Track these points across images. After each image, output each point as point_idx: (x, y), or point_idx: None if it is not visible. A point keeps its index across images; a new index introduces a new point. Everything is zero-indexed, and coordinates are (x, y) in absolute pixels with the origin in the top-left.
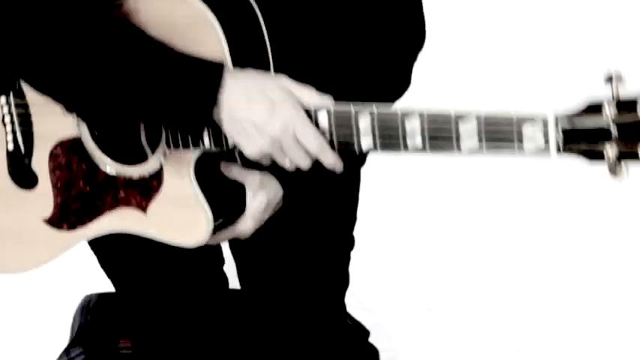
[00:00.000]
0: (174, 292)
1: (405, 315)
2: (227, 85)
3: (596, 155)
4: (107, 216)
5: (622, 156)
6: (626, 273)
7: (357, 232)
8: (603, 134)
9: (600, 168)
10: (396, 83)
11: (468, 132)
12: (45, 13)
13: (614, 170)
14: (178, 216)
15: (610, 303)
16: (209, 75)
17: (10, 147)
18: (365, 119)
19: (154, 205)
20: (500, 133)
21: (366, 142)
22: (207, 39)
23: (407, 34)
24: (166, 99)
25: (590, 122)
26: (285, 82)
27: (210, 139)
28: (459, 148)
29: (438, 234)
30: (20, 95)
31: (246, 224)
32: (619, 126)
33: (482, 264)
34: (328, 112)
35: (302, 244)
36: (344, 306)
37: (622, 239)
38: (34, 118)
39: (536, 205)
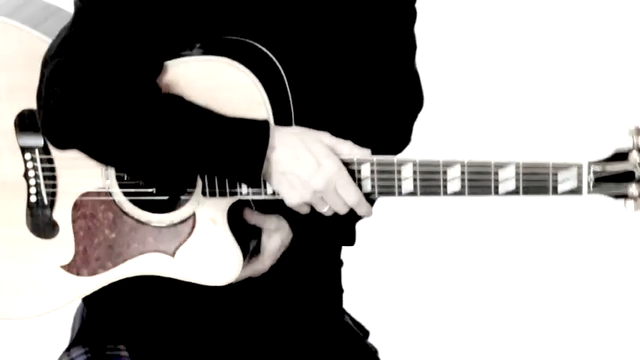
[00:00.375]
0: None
1: (405, 315)
2: (273, 141)
3: (621, 195)
4: (132, 260)
5: None
6: (625, 276)
7: (357, 233)
8: (628, 176)
9: None
10: (398, 140)
11: (507, 177)
12: (104, 102)
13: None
14: (208, 259)
15: (610, 304)
16: (257, 134)
17: (33, 199)
18: (407, 167)
19: (184, 249)
20: (536, 179)
21: (406, 186)
22: (251, 99)
23: (407, 99)
24: (220, 163)
25: (619, 167)
26: (326, 138)
27: (248, 187)
28: (496, 192)
29: (438, 235)
30: (46, 151)
31: (265, 264)
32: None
33: (482, 265)
34: (371, 163)
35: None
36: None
37: (622, 240)
38: (59, 172)
39: (535, 206)
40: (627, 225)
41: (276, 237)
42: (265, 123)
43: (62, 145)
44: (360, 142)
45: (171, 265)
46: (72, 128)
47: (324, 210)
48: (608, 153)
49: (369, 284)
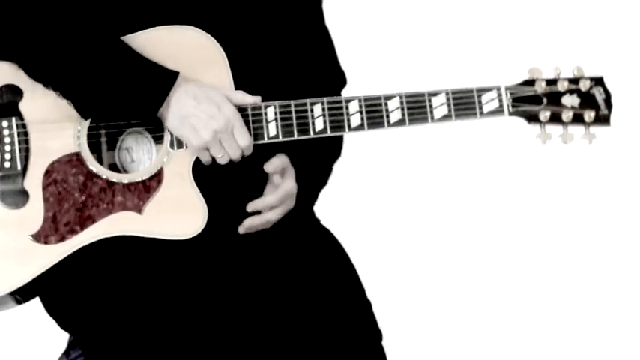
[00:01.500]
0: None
1: (404, 316)
2: (180, 86)
3: (534, 117)
4: (100, 222)
5: (552, 118)
6: (624, 276)
7: (357, 233)
8: (538, 100)
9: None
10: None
11: (440, 103)
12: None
13: (544, 135)
14: (175, 213)
15: (609, 305)
16: (166, 76)
17: (7, 165)
18: (317, 107)
19: (151, 205)
20: (464, 102)
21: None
22: (213, 61)
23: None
24: (127, 89)
25: (529, 90)
26: (223, 89)
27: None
28: (432, 117)
29: (438, 236)
30: (21, 118)
31: (277, 211)
32: (547, 96)
33: (481, 266)
34: (274, 106)
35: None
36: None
37: (621, 241)
38: (32, 136)
39: (535, 207)
40: (626, 226)
41: (289, 179)
42: (175, 73)
43: None
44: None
45: (138, 223)
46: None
47: (219, 155)
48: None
49: (370, 282)
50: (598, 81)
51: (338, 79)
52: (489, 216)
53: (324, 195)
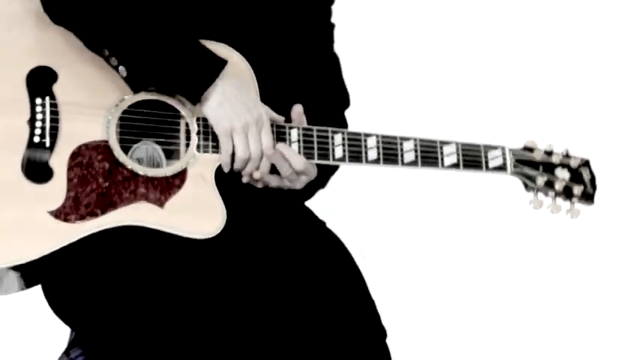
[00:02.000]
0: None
1: (404, 316)
2: (227, 75)
3: (531, 179)
4: (121, 209)
5: (547, 184)
6: (623, 278)
7: (357, 234)
8: (535, 167)
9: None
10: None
11: (450, 152)
12: None
13: (536, 202)
14: (194, 212)
15: (604, 304)
16: (216, 61)
17: (36, 139)
18: (338, 136)
19: (173, 201)
20: (472, 154)
21: (339, 152)
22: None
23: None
24: (184, 65)
25: (529, 155)
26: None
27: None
28: (442, 164)
29: (438, 237)
30: (53, 99)
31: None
32: (543, 164)
33: (481, 266)
34: (298, 129)
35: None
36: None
37: (620, 242)
38: (63, 116)
39: (529, 207)
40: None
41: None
42: (224, 61)
43: (57, 18)
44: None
45: (159, 216)
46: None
47: (240, 148)
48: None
49: (370, 282)
50: (585, 163)
51: (342, 100)
52: (490, 216)
53: (325, 196)
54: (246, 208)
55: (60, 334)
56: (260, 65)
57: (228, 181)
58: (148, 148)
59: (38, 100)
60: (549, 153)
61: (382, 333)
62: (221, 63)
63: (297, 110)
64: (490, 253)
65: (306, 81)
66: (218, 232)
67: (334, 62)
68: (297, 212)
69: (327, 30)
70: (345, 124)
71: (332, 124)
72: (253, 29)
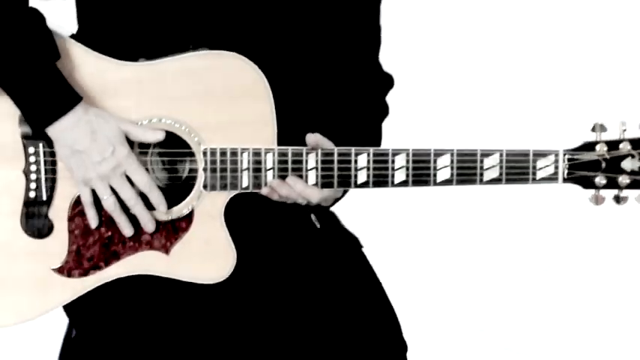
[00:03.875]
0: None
1: (404, 317)
2: (81, 115)
3: (590, 183)
4: (125, 260)
5: (608, 184)
6: (623, 277)
7: (358, 234)
8: (595, 166)
9: None
10: (376, 113)
11: (491, 165)
12: None
13: (597, 198)
14: (203, 256)
15: (603, 304)
16: (67, 98)
17: (32, 194)
18: (362, 157)
19: (179, 247)
20: (517, 166)
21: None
22: (255, 93)
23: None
24: (30, 95)
25: (588, 156)
26: (123, 125)
27: (249, 180)
28: (481, 179)
29: (436, 237)
30: (49, 145)
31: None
32: (607, 160)
33: (478, 266)
34: (317, 154)
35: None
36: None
37: (619, 242)
38: (60, 167)
39: (533, 208)
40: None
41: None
42: (78, 99)
43: None
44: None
45: (165, 263)
46: None
47: (106, 197)
48: (577, 144)
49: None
50: None
51: (384, 83)
52: (495, 219)
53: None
54: (255, 224)
55: (59, 334)
56: (286, 68)
57: (240, 212)
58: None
59: (31, 149)
60: (616, 144)
61: (403, 347)
62: (71, 100)
63: (312, 139)
64: (496, 258)
65: (340, 72)
66: (226, 277)
67: (375, 43)
68: (323, 236)
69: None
70: (385, 110)
71: (371, 110)
72: (281, 28)
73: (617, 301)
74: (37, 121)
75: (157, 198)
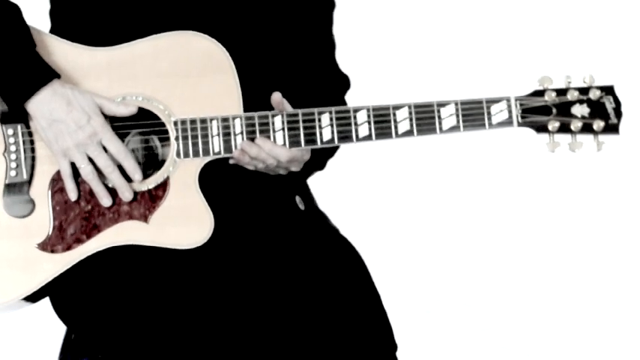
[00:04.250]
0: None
1: (403, 316)
2: (56, 88)
3: (543, 127)
4: (106, 231)
5: (561, 128)
6: (621, 277)
7: (356, 235)
8: (547, 111)
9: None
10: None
11: (448, 114)
12: None
13: (552, 144)
14: (181, 222)
15: (602, 304)
16: (43, 73)
17: (13, 174)
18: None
19: (157, 214)
20: (473, 113)
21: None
22: (220, 67)
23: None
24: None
25: (539, 101)
26: (97, 98)
27: (220, 145)
28: (440, 128)
29: (437, 237)
30: (27, 125)
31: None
32: (557, 106)
33: (479, 267)
34: (282, 115)
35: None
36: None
37: (617, 242)
38: (38, 145)
39: (531, 209)
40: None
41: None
42: (54, 74)
43: None
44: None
45: (145, 232)
46: None
47: (83, 165)
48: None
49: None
50: (608, 90)
51: (342, 83)
52: (494, 219)
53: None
54: (240, 205)
55: (59, 334)
56: (253, 50)
57: (217, 181)
58: (143, 137)
59: (9, 131)
60: (563, 91)
61: (392, 346)
62: (47, 75)
63: (276, 98)
64: (496, 259)
65: (302, 64)
66: (206, 239)
67: (330, 46)
68: (308, 218)
69: (324, 12)
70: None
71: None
72: (245, 11)
73: (611, 304)
74: (16, 96)
75: (132, 166)
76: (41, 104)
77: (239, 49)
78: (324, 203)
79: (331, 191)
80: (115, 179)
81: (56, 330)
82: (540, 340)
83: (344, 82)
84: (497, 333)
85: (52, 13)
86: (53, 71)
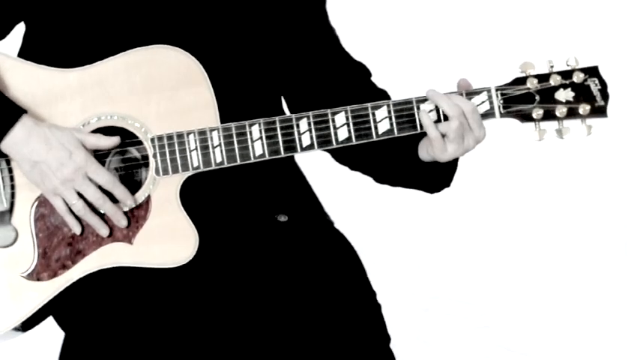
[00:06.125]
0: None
1: (402, 315)
2: (32, 128)
3: (528, 116)
4: (91, 256)
5: (546, 116)
6: (617, 274)
7: (354, 234)
8: (529, 99)
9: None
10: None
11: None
12: None
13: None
14: (165, 240)
15: (602, 303)
16: (10, 112)
17: None
18: (304, 121)
19: (141, 234)
20: None
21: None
22: (193, 80)
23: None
24: None
25: (521, 89)
26: (77, 133)
27: (199, 159)
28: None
29: (435, 236)
30: (3, 154)
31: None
32: (539, 92)
33: (477, 265)
34: (259, 124)
35: None
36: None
37: (615, 241)
38: (16, 172)
39: (529, 208)
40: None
41: (455, 120)
42: (21, 111)
43: None
44: None
45: (130, 254)
46: None
47: (73, 201)
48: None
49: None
50: (593, 72)
51: (359, 71)
52: (483, 218)
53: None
54: (222, 219)
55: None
56: (246, 60)
57: (198, 196)
58: (123, 156)
59: None
60: (545, 77)
61: (386, 338)
62: (14, 114)
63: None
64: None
65: (307, 67)
66: (191, 257)
67: (332, 39)
68: (299, 212)
69: (316, 7)
70: (379, 91)
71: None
72: (236, 23)
73: (607, 301)
74: None
75: (122, 193)
76: (17, 146)
77: (225, 57)
78: (324, 202)
79: (329, 189)
80: (108, 210)
81: (55, 332)
82: (537, 338)
83: (361, 70)
84: (495, 331)
85: (26, 35)
86: (18, 108)
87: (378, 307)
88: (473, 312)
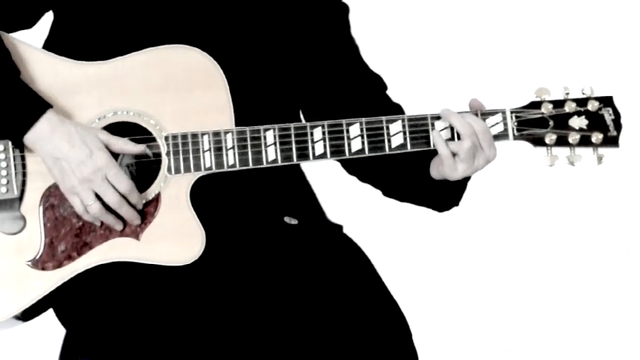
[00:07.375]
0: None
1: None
2: (57, 125)
3: (540, 140)
4: (97, 249)
5: (558, 142)
6: (618, 275)
7: (354, 235)
8: (544, 124)
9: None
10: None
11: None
12: None
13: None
14: (172, 238)
15: (603, 305)
16: (36, 105)
17: (4, 191)
18: (318, 130)
19: (149, 231)
20: None
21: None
22: (211, 82)
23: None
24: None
25: (535, 113)
26: (101, 133)
27: (211, 160)
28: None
29: (435, 237)
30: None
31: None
32: (554, 118)
33: (477, 266)
34: (274, 129)
35: None
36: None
37: (614, 241)
38: (29, 160)
39: (529, 208)
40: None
41: (467, 140)
42: (47, 105)
43: None
44: None
45: (136, 249)
46: None
47: (91, 203)
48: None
49: None
50: (607, 101)
51: (375, 83)
52: (483, 219)
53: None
54: (231, 220)
55: (59, 334)
56: (263, 65)
57: (208, 197)
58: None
59: (0, 147)
60: (560, 103)
61: (408, 334)
62: (40, 107)
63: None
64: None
65: (325, 76)
66: (197, 256)
67: (352, 50)
68: (308, 216)
69: (339, 17)
70: (394, 105)
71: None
72: (255, 29)
73: (608, 304)
74: (13, 131)
75: (136, 199)
76: (42, 142)
77: (245, 62)
78: (324, 203)
79: (329, 189)
80: (126, 213)
81: (56, 331)
82: (538, 338)
83: (378, 83)
84: (495, 331)
85: (54, 26)
86: (45, 102)
87: (396, 304)
88: (473, 313)
